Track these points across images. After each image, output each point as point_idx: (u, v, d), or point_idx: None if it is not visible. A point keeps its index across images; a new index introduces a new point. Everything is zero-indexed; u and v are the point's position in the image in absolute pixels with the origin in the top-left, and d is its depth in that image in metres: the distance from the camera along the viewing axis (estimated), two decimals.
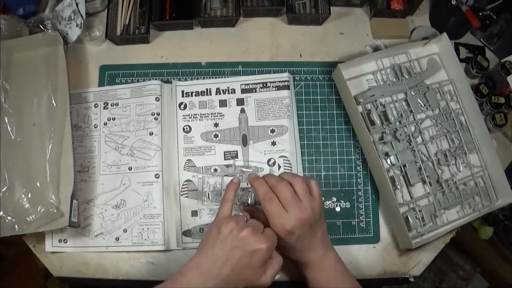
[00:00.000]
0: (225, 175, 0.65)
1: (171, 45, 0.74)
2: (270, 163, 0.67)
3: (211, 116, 0.69)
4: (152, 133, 0.66)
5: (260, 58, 0.73)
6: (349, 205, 0.67)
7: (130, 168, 0.66)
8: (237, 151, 0.67)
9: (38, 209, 0.59)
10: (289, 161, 0.66)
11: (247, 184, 0.63)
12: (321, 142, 0.69)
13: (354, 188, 0.68)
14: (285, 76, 0.70)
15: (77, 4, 0.66)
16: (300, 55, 0.73)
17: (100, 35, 0.72)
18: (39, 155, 0.62)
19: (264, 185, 0.53)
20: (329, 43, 0.74)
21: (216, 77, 0.71)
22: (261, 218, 0.54)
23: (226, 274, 0.48)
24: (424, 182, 0.66)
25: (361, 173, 0.68)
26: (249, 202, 0.62)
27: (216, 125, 0.68)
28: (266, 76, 0.70)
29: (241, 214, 0.52)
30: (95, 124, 0.68)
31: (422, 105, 0.69)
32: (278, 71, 0.71)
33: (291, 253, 0.54)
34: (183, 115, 0.69)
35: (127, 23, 0.72)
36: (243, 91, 0.70)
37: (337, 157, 0.69)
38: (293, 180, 0.53)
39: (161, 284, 0.50)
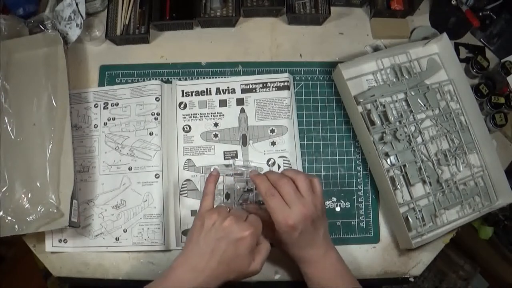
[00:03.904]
0: (225, 175, 0.65)
1: (171, 45, 0.74)
2: (269, 163, 0.67)
3: (211, 115, 0.69)
4: (152, 133, 0.66)
5: (260, 58, 0.73)
6: (349, 205, 0.67)
7: (130, 168, 0.66)
8: (236, 151, 0.67)
9: (38, 209, 0.59)
10: (288, 161, 0.66)
11: (247, 184, 0.63)
12: (321, 142, 0.69)
13: (354, 188, 0.68)
14: (285, 76, 0.70)
15: (77, 4, 0.66)
16: (300, 55, 0.73)
17: (100, 35, 0.72)
18: (39, 155, 0.62)
19: (266, 181, 0.53)
20: (329, 43, 0.74)
21: (216, 77, 0.71)
22: (264, 215, 0.54)
23: (214, 266, 0.48)
24: (424, 182, 0.66)
25: (361, 173, 0.68)
26: (247, 199, 0.62)
27: (216, 124, 0.68)
28: (266, 76, 0.71)
29: (223, 205, 0.52)
30: (95, 124, 0.68)
31: (422, 105, 0.69)
32: (278, 71, 0.71)
33: (293, 250, 0.54)
34: (183, 115, 0.69)
35: (127, 23, 0.72)
36: (243, 91, 0.70)
37: (337, 157, 0.69)
38: (296, 177, 0.53)
39: (152, 281, 0.50)
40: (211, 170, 0.65)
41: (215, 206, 0.54)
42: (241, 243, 0.48)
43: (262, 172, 0.56)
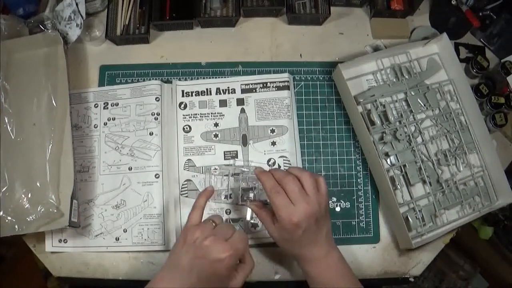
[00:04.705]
0: (225, 175, 0.65)
1: (171, 45, 0.74)
2: (270, 163, 0.67)
3: (211, 116, 0.69)
4: (152, 133, 0.66)
5: (260, 58, 0.73)
6: (349, 205, 0.67)
7: (130, 168, 0.66)
8: (237, 151, 0.67)
9: (38, 209, 0.59)
10: (289, 161, 0.66)
11: (248, 184, 0.63)
12: (321, 142, 0.69)
13: (354, 188, 0.68)
14: (285, 76, 0.70)
15: (77, 4, 0.66)
16: (300, 55, 0.73)
17: (100, 35, 0.72)
18: (39, 155, 0.62)
19: (271, 179, 0.53)
20: (329, 43, 0.74)
21: (216, 77, 0.71)
22: (268, 212, 0.55)
23: (193, 282, 0.49)
24: (424, 182, 0.66)
25: (361, 173, 0.68)
26: (250, 197, 0.62)
27: (216, 125, 0.68)
28: (266, 76, 0.71)
29: (210, 220, 0.52)
30: (95, 124, 0.68)
31: (422, 105, 0.69)
32: (278, 71, 0.71)
33: (295, 248, 0.54)
34: (183, 115, 0.69)
35: (127, 23, 0.72)
36: (243, 91, 0.70)
37: (337, 157, 0.69)
38: (301, 175, 0.53)
39: None
40: (212, 170, 0.66)
41: (210, 215, 0.55)
42: (218, 264, 0.48)
43: (267, 170, 0.56)
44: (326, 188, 0.54)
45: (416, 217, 0.64)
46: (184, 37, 0.74)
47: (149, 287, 0.50)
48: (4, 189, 0.61)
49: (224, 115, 0.69)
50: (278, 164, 0.66)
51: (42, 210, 0.59)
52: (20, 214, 0.59)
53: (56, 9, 0.68)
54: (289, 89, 0.69)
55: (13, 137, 0.63)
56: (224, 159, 0.67)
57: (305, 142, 0.69)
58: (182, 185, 0.66)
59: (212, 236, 0.50)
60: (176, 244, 0.53)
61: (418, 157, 0.66)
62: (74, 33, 0.67)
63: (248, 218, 0.60)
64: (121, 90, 0.69)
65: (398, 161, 0.66)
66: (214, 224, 0.52)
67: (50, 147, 0.62)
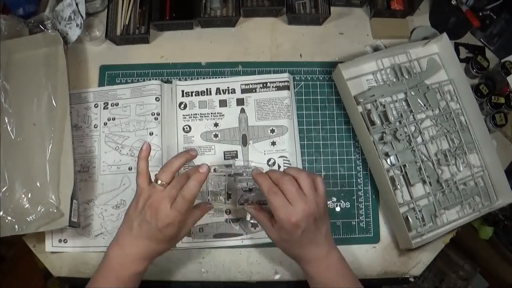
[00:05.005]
0: (224, 175, 0.65)
1: (171, 45, 0.74)
2: (270, 163, 0.67)
3: (211, 116, 0.69)
4: (152, 133, 0.66)
5: (260, 58, 0.73)
6: (349, 205, 0.67)
7: (130, 168, 0.66)
8: (237, 151, 0.67)
9: (38, 209, 0.59)
10: (289, 161, 0.66)
11: (247, 184, 0.63)
12: (321, 142, 0.69)
13: (354, 188, 0.68)
14: (285, 76, 0.70)
15: (77, 4, 0.66)
16: (300, 55, 0.73)
17: (100, 35, 0.72)
18: (39, 155, 0.62)
19: (268, 180, 0.53)
20: (329, 43, 0.74)
21: (216, 77, 0.71)
22: (266, 214, 0.55)
23: (146, 244, 0.52)
24: (424, 182, 0.66)
25: (361, 173, 0.68)
26: (249, 198, 0.62)
27: (216, 125, 0.68)
28: (266, 76, 0.71)
29: (158, 181, 0.52)
30: (95, 124, 0.68)
31: (422, 105, 0.69)
32: (278, 71, 0.71)
33: (295, 249, 0.54)
34: (183, 115, 0.69)
35: (127, 23, 0.72)
36: (243, 91, 0.70)
37: (337, 157, 0.69)
38: (298, 175, 0.52)
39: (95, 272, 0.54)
40: (211, 170, 0.65)
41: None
42: (165, 229, 0.51)
43: (264, 171, 0.56)
44: (324, 188, 0.53)
45: (416, 217, 0.64)
46: (184, 37, 0.74)
47: (111, 250, 0.53)
48: (4, 189, 0.61)
49: (224, 115, 0.69)
50: (278, 164, 0.66)
51: (42, 210, 0.59)
52: (20, 214, 0.59)
53: (56, 9, 0.68)
54: (289, 89, 0.69)
55: (13, 137, 0.63)
56: (224, 159, 0.67)
57: (305, 142, 0.69)
58: None
59: (158, 203, 0.51)
60: (130, 205, 0.54)
61: (418, 157, 0.66)
62: (74, 33, 0.67)
63: (248, 218, 0.60)
64: (121, 90, 0.69)
65: (398, 161, 0.66)
66: (163, 185, 0.52)
67: (50, 147, 0.62)
